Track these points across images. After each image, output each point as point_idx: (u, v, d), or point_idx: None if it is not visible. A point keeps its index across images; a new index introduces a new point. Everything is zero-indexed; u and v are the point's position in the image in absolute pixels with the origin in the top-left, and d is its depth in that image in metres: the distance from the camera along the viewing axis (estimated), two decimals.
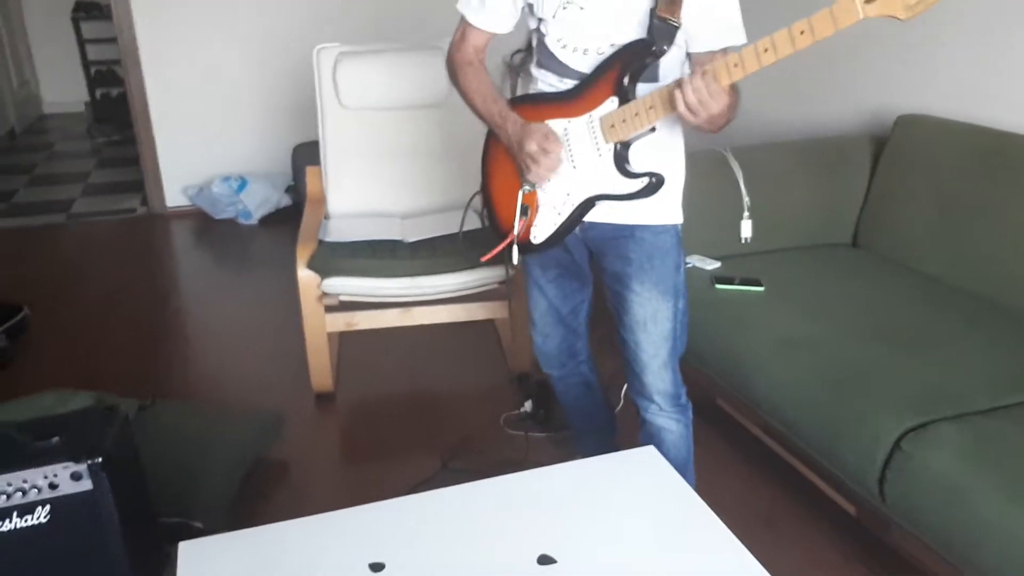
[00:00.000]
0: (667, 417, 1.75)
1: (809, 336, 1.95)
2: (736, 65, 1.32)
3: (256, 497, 2.13)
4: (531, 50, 1.66)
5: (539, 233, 1.64)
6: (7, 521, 1.49)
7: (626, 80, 1.47)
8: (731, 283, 2.23)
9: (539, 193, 1.62)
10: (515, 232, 1.65)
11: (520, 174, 1.62)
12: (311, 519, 1.35)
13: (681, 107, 1.36)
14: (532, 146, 1.52)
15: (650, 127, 1.47)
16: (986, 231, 2.13)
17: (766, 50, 1.29)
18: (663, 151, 1.58)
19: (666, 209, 1.62)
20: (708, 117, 1.37)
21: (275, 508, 2.10)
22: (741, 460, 2.25)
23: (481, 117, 1.65)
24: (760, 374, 1.96)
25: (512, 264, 1.69)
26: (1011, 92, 2.26)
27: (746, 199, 2.39)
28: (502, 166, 1.67)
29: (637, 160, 1.53)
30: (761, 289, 2.20)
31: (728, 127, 1.48)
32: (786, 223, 2.51)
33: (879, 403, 1.69)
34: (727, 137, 1.89)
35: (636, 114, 1.45)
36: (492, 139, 1.69)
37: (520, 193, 1.63)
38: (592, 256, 1.75)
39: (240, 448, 2.16)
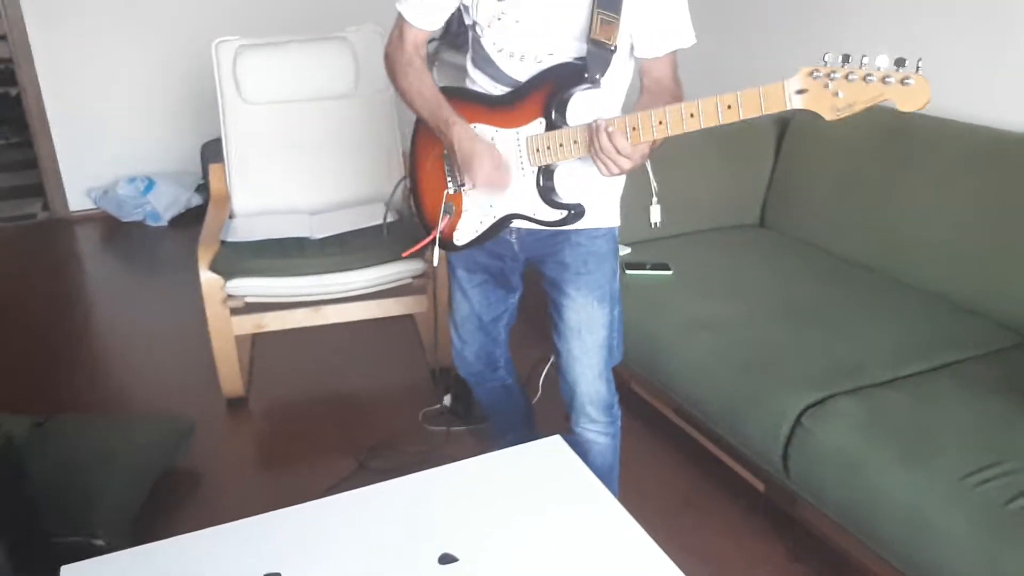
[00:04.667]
0: (597, 432, 1.72)
1: (716, 317, 1.98)
2: (634, 129, 1.31)
3: (165, 510, 2.05)
4: (444, 38, 1.61)
5: (461, 236, 1.61)
6: None
7: (554, 108, 1.42)
8: (642, 268, 2.24)
9: (464, 197, 1.58)
10: (437, 230, 1.61)
11: (446, 172, 1.58)
12: (205, 532, 1.29)
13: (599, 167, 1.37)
14: (480, 174, 1.47)
15: (576, 157, 1.44)
16: (885, 208, 2.19)
17: (692, 115, 1.28)
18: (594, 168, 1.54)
19: (602, 213, 1.59)
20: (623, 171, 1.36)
21: (184, 520, 2.02)
22: (658, 444, 2.27)
23: (423, 119, 1.58)
24: (670, 357, 1.98)
25: (433, 263, 1.65)
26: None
27: (654, 184, 2.40)
28: (430, 157, 1.63)
29: (564, 175, 1.49)
30: (670, 273, 2.21)
31: None
32: (695, 206, 2.54)
33: (782, 380, 1.72)
34: None
35: (560, 145, 1.42)
36: (422, 127, 1.64)
37: (445, 192, 1.60)
38: (528, 264, 1.71)
39: (145, 459, 2.07)
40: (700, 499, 2.06)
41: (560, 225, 1.50)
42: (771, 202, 2.57)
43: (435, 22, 1.56)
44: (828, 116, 1.20)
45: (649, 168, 2.40)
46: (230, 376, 2.47)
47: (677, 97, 1.45)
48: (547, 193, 1.48)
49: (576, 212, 1.48)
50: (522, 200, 1.51)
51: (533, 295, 1.87)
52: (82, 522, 1.83)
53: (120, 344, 3.02)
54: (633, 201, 2.43)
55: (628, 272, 2.23)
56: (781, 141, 2.58)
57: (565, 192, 1.50)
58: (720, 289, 2.12)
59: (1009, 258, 1.91)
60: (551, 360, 2.44)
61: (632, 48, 1.47)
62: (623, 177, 1.62)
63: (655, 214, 2.40)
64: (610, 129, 1.32)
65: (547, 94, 1.43)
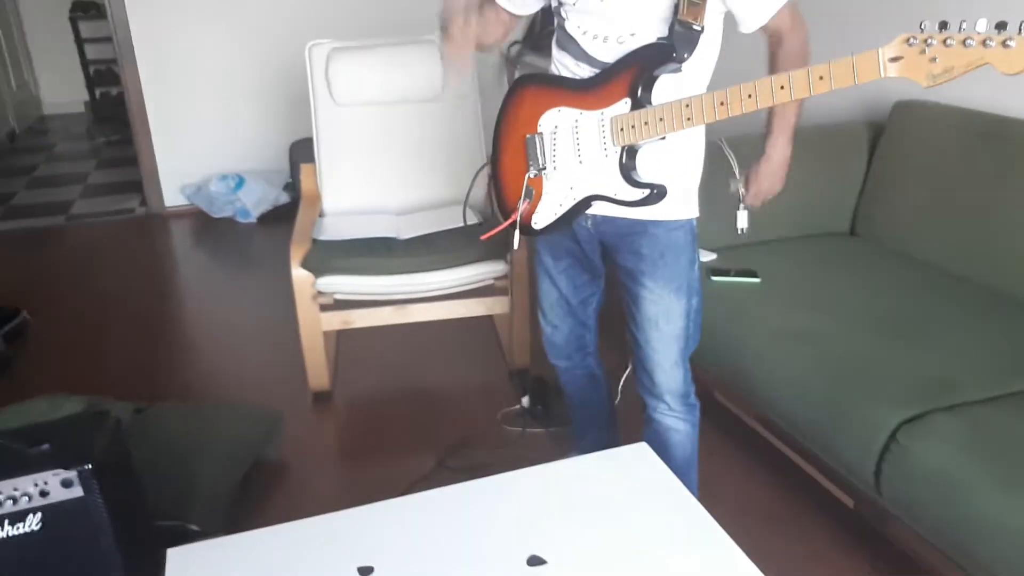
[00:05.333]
0: (675, 417, 1.73)
1: (806, 328, 1.93)
2: (722, 104, 1.36)
3: (254, 498, 2.13)
4: (527, 41, 1.65)
5: (540, 220, 1.64)
6: None
7: (640, 87, 1.44)
8: (727, 275, 2.21)
9: (544, 181, 1.61)
10: (518, 213, 1.64)
11: (528, 156, 1.61)
12: (300, 523, 1.34)
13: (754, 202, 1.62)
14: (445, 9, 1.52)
15: (660, 137, 1.45)
16: (984, 217, 2.11)
17: (781, 87, 1.29)
18: (677, 148, 1.55)
19: (681, 204, 1.59)
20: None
21: (273, 509, 2.10)
22: (739, 453, 2.24)
23: None
24: (757, 367, 1.95)
25: (513, 247, 1.68)
26: (1010, 76, 2.22)
27: (742, 190, 2.37)
28: (512, 144, 1.66)
29: (646, 161, 1.50)
30: (757, 280, 2.18)
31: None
32: (783, 213, 2.47)
33: (875, 394, 1.68)
34: (722, 127, 1.87)
35: (646, 123, 1.43)
36: (505, 113, 1.67)
37: (526, 177, 1.62)
38: (604, 251, 1.73)
39: (238, 449, 2.15)
40: (783, 511, 2.02)
41: (642, 204, 1.51)
42: (863, 210, 2.50)
43: (522, 7, 1.66)
44: (924, 83, 1.18)
45: (737, 172, 2.39)
46: (317, 370, 2.55)
47: (802, 57, 1.51)
48: (629, 172, 1.50)
49: (658, 192, 1.49)
50: (604, 181, 1.52)
51: (608, 303, 1.88)
52: (178, 508, 1.92)
53: (212, 336, 3.14)
54: (720, 206, 2.41)
55: (713, 278, 2.20)
56: (874, 146, 2.50)
57: (647, 174, 1.51)
58: (810, 298, 2.07)
59: None
60: (629, 367, 2.43)
61: (722, 26, 1.49)
62: (700, 167, 1.63)
63: (742, 220, 2.37)
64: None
65: (633, 75, 1.45)
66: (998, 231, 2.07)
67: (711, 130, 1.64)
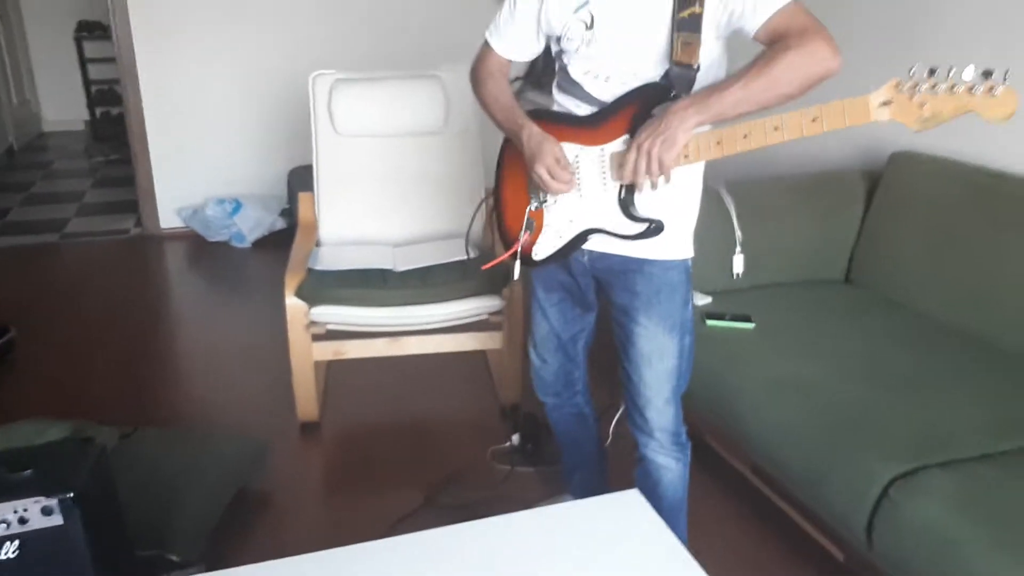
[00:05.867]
0: (666, 455, 1.73)
1: (800, 376, 1.93)
2: (719, 143, 1.39)
3: (237, 529, 2.09)
4: (529, 77, 1.67)
5: (540, 251, 1.66)
6: None
7: (639, 124, 1.46)
8: (722, 319, 2.21)
9: (545, 213, 1.63)
10: (519, 244, 1.65)
11: (529, 188, 1.63)
12: (281, 562, 1.31)
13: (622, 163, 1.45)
14: (541, 169, 1.54)
15: None
16: (980, 270, 2.12)
17: (776, 128, 1.33)
18: (675, 187, 1.54)
19: (676, 244, 1.61)
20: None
21: (255, 541, 2.06)
22: (729, 499, 2.22)
23: (500, 126, 1.68)
24: (750, 414, 1.94)
25: (513, 278, 1.70)
26: (1006, 131, 2.25)
27: (738, 234, 2.38)
28: (515, 175, 1.68)
29: (644, 198, 1.52)
30: (751, 326, 2.18)
31: (721, 161, 1.47)
32: (778, 259, 2.50)
33: (868, 447, 1.67)
34: (720, 172, 1.88)
35: None
36: (509, 145, 1.71)
37: (528, 209, 1.64)
38: (599, 287, 1.74)
39: (222, 478, 2.12)
40: (771, 561, 1.99)
41: (639, 238, 1.53)
42: (858, 258, 2.51)
43: (521, 55, 1.68)
44: (914, 127, 1.22)
45: (734, 216, 2.40)
46: (306, 400, 2.52)
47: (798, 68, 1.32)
48: (627, 207, 1.52)
49: (656, 227, 1.52)
50: (603, 214, 1.55)
51: (599, 343, 1.87)
52: (158, 536, 1.88)
53: (202, 361, 3.11)
54: (715, 251, 2.42)
55: (708, 322, 2.20)
56: (871, 195, 2.52)
57: (645, 208, 1.53)
58: (804, 346, 2.07)
59: None
60: (621, 408, 2.42)
61: (725, 59, 1.49)
62: (696, 208, 1.64)
63: (738, 264, 2.40)
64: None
65: (633, 113, 1.48)
66: (993, 284, 2.08)
67: (709, 175, 1.66)
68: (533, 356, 1.93)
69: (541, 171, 1.54)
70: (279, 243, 4.07)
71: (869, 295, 2.40)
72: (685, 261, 1.64)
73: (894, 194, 2.42)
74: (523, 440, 2.46)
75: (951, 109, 1.18)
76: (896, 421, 1.73)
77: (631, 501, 1.46)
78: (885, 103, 1.25)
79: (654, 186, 1.44)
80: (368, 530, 1.38)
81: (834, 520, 1.72)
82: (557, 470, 2.25)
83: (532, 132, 1.57)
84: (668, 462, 1.73)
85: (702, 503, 2.15)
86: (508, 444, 2.48)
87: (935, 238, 2.26)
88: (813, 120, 1.29)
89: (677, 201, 1.58)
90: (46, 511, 1.47)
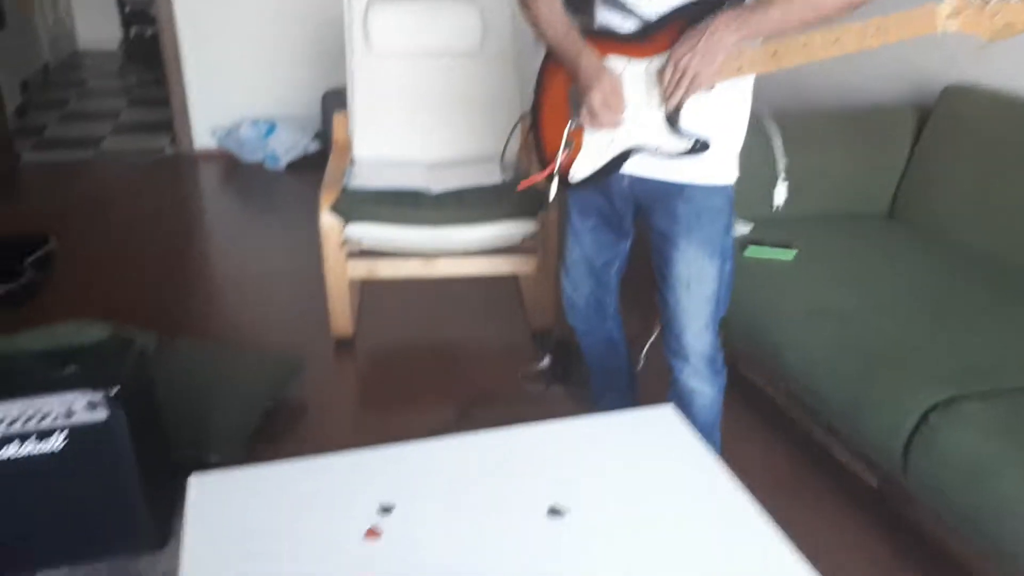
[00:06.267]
0: (701, 380, 1.72)
1: (840, 306, 1.90)
2: (775, 54, 1.33)
3: (272, 437, 2.13)
4: (568, 5, 1.61)
5: (579, 171, 1.62)
6: (24, 445, 1.50)
7: None
8: (761, 246, 2.17)
9: (585, 131, 1.58)
10: (556, 163, 1.62)
11: (570, 107, 1.59)
12: (323, 458, 1.34)
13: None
14: (596, 98, 1.48)
15: (708, 87, 1.43)
16: None
17: (836, 40, 1.27)
18: (722, 107, 1.52)
19: (720, 167, 1.57)
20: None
21: (291, 448, 2.10)
22: (762, 426, 2.21)
23: (552, 47, 1.60)
24: (787, 342, 1.92)
25: (548, 199, 1.66)
26: None
27: (781, 162, 2.33)
28: (556, 93, 1.64)
29: (690, 115, 1.48)
30: (792, 255, 2.14)
31: (766, 89, 1.43)
32: (821, 191, 2.44)
33: (908, 376, 1.65)
34: (766, 100, 1.82)
35: None
36: (551, 63, 1.65)
37: (568, 126, 1.60)
38: (639, 211, 1.71)
39: (258, 388, 2.16)
40: (803, 486, 1.99)
41: (684, 156, 1.49)
42: (903, 193, 2.45)
43: None
44: (987, 36, 1.18)
45: (777, 146, 2.34)
46: (341, 317, 2.54)
47: None
48: (673, 123, 1.47)
49: (701, 144, 1.47)
50: (647, 131, 1.51)
51: (633, 268, 1.85)
52: (197, 440, 1.93)
53: (235, 278, 3.14)
54: (758, 179, 2.37)
55: (747, 250, 2.17)
56: (919, 131, 2.44)
57: (691, 125, 1.48)
58: (845, 277, 2.04)
59: None
60: (654, 334, 2.41)
61: None
62: (743, 131, 1.59)
63: (780, 194, 2.35)
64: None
65: (683, 25, 1.42)
66: None
67: (753, 102, 1.61)
68: (564, 282, 1.91)
69: (595, 100, 1.48)
70: (312, 166, 4.05)
71: (912, 231, 2.34)
72: (728, 186, 1.60)
73: (945, 128, 2.35)
74: (554, 363, 2.47)
75: None
76: (937, 351, 1.71)
77: (665, 415, 1.46)
78: (953, 14, 1.19)
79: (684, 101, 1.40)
80: (402, 440, 1.39)
81: (869, 447, 1.71)
82: (587, 392, 2.26)
83: (591, 60, 1.50)
84: (702, 387, 1.73)
85: (733, 428, 2.14)
86: (539, 366, 2.49)
87: (985, 175, 2.19)
88: (875, 31, 1.24)
89: (724, 120, 1.54)
90: (91, 405, 1.51)
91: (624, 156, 1.56)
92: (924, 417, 1.56)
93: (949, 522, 1.56)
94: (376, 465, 1.32)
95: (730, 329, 2.10)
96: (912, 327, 1.80)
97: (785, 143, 2.34)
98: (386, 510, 1.22)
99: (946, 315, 1.84)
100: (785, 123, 2.39)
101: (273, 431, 2.15)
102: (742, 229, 2.28)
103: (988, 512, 1.44)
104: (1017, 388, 1.59)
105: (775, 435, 2.18)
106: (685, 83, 1.39)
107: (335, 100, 3.73)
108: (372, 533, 1.18)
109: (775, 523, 1.20)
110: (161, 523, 1.66)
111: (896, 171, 2.48)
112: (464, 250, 2.52)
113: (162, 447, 1.72)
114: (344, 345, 2.59)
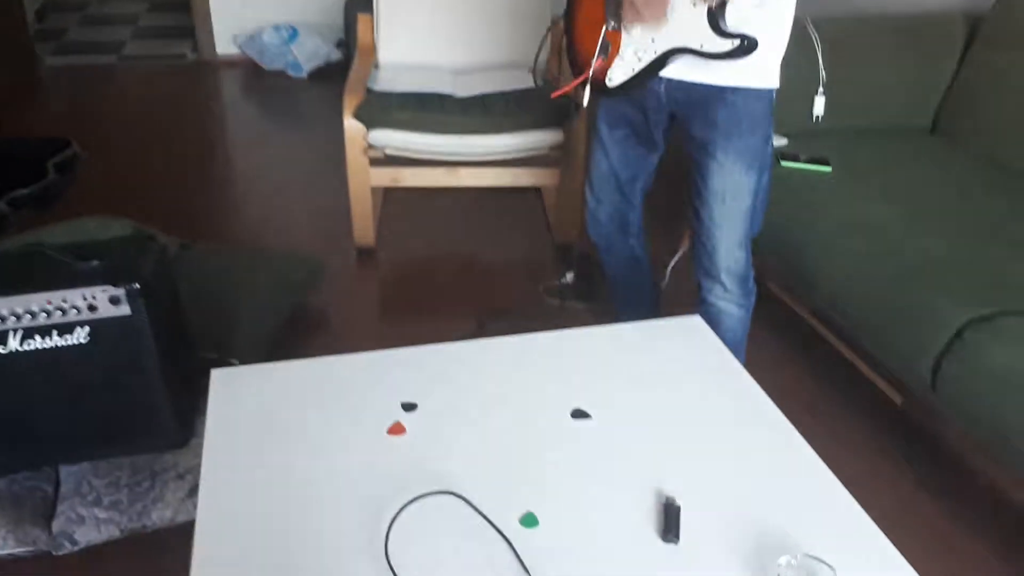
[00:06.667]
0: (729, 301, 1.69)
1: (877, 221, 1.84)
2: None
3: (294, 341, 2.14)
4: None
5: (615, 76, 1.54)
6: (48, 338, 1.50)
7: None
8: (796, 160, 2.10)
9: (623, 33, 1.51)
10: (591, 69, 1.54)
11: (608, 7, 1.50)
12: (346, 357, 1.33)
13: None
14: None
15: None
16: None
17: None
18: (767, 7, 1.44)
19: (763, 71, 1.49)
20: None
21: (312, 351, 2.09)
22: (787, 345, 2.18)
23: None
24: (819, 256, 1.87)
25: (583, 105, 1.60)
26: None
27: (823, 72, 2.22)
28: None
29: (734, 14, 1.40)
30: (828, 169, 2.07)
31: None
32: (861, 104, 2.34)
33: (945, 291, 1.60)
34: (807, 4, 1.72)
35: None
36: None
37: (604, 29, 1.52)
38: (674, 122, 1.64)
39: (279, 292, 2.15)
40: (827, 403, 1.98)
41: (729, 58, 1.41)
42: (948, 107, 2.35)
43: None
44: None
45: (819, 54, 2.23)
46: (363, 225, 2.52)
47: None
48: (717, 21, 1.40)
49: (748, 43, 1.39)
50: (690, 31, 1.43)
51: (660, 184, 1.80)
52: (219, 342, 1.93)
53: (258, 185, 3.11)
54: (795, 89, 2.26)
55: (782, 163, 2.10)
56: (969, 41, 2.32)
57: (737, 24, 1.41)
58: (882, 192, 1.97)
59: None
60: (681, 250, 2.36)
61: None
62: (787, 34, 1.51)
63: (819, 106, 2.25)
64: None
65: None
66: None
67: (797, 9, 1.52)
68: (589, 196, 1.85)
69: None
70: (335, 75, 3.96)
71: (955, 146, 2.25)
72: (771, 91, 1.53)
73: (998, 39, 2.23)
74: (577, 278, 2.44)
75: None
76: (975, 268, 1.66)
77: (692, 325, 1.44)
78: None
79: None
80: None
81: (897, 362, 1.68)
82: (610, 307, 2.24)
83: None
84: (730, 307, 1.69)
85: (761, 347, 2.11)
86: (560, 281, 2.46)
87: None
88: None
89: (770, 20, 1.46)
90: (114, 300, 1.50)
91: (663, 59, 1.49)
92: (959, 332, 1.52)
93: (977, 438, 1.54)
94: (398, 365, 1.31)
95: (761, 243, 2.05)
96: (951, 243, 1.74)
97: (825, 51, 2.23)
98: (409, 408, 1.21)
99: (986, 232, 1.79)
100: (826, 30, 2.27)
101: (294, 338, 2.15)
102: (778, 142, 2.20)
103: (1019, 427, 1.41)
104: None
105: (799, 353, 2.15)
106: None
107: (358, 6, 3.61)
108: (396, 429, 1.17)
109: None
110: (183, 422, 1.67)
111: (942, 84, 2.37)
112: (489, 158, 2.47)
113: (185, 346, 1.73)
114: (365, 254, 2.57)
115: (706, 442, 1.17)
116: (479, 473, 1.08)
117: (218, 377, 1.28)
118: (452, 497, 1.04)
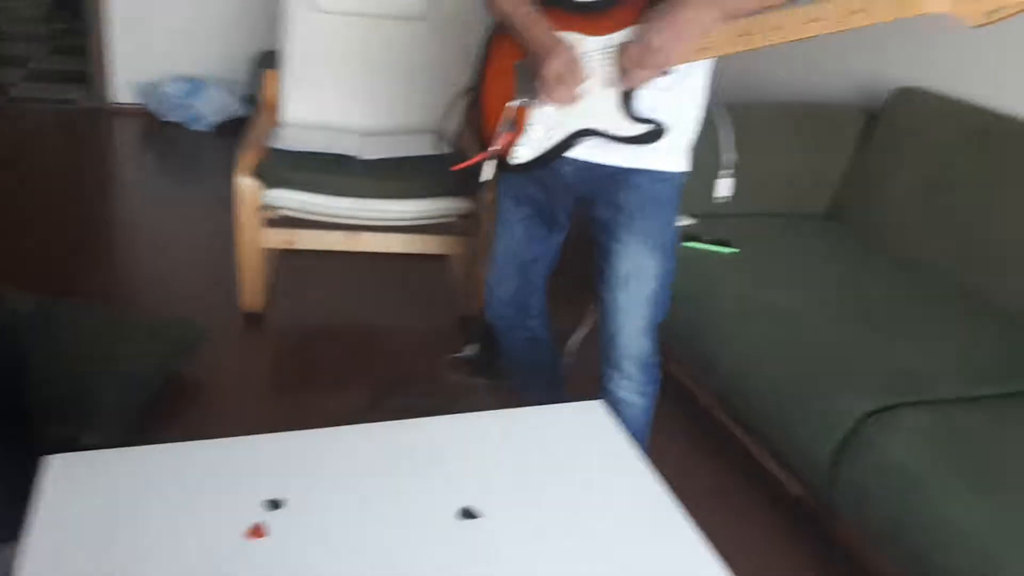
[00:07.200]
0: (631, 391, 1.62)
1: (776, 306, 1.83)
2: (745, 34, 1.24)
3: (164, 417, 1.95)
4: None
5: (521, 153, 1.49)
6: None
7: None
8: (699, 241, 2.09)
9: (532, 111, 1.46)
10: (495, 145, 1.48)
11: (518, 85, 1.46)
12: (207, 443, 1.19)
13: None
14: (551, 70, 1.35)
15: (663, 72, 1.33)
16: (974, 216, 2.01)
17: (815, 20, 1.18)
18: (679, 92, 1.42)
19: (671, 155, 1.46)
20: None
21: (183, 431, 1.91)
22: (688, 428, 2.13)
23: (503, 16, 1.46)
24: (720, 340, 1.85)
25: (481, 179, 1.53)
26: (1016, 71, 2.13)
27: (730, 156, 2.25)
28: (503, 68, 1.50)
29: (645, 99, 1.37)
30: (730, 251, 2.06)
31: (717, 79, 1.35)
32: (763, 188, 2.37)
33: (843, 381, 1.59)
34: (716, 91, 1.73)
35: None
36: (499, 36, 1.51)
37: (510, 105, 1.47)
38: (578, 203, 1.59)
39: (152, 359, 1.97)
40: (727, 493, 1.92)
41: (638, 142, 1.38)
42: (845, 195, 2.40)
43: None
44: (974, 21, 1.10)
45: (727, 137, 2.26)
46: (252, 289, 2.36)
47: None
48: (629, 106, 1.37)
49: (657, 130, 1.37)
50: (599, 113, 1.40)
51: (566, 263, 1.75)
52: (74, 417, 1.74)
53: (142, 241, 2.93)
54: (700, 172, 2.28)
55: (685, 244, 2.08)
56: (865, 132, 2.40)
57: (647, 109, 1.38)
58: (783, 277, 1.97)
59: None
60: (585, 328, 2.31)
61: None
62: (700, 116, 1.49)
63: (724, 187, 2.27)
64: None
65: (645, 3, 1.31)
66: (985, 233, 1.98)
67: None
68: (489, 274, 1.78)
69: (551, 72, 1.36)
70: (239, 130, 3.82)
71: (851, 234, 2.30)
72: (678, 174, 1.50)
73: (892, 132, 2.30)
74: (481, 351, 2.34)
75: (1017, 1, 1.05)
76: (873, 359, 1.65)
77: (593, 411, 1.36)
78: None
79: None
80: (308, 427, 1.25)
81: (797, 454, 1.64)
82: (511, 386, 2.15)
83: (546, 30, 1.38)
84: (631, 396, 1.62)
85: (661, 431, 2.06)
86: (463, 354, 2.36)
87: (929, 182, 2.15)
88: (855, 12, 1.14)
89: (681, 105, 1.44)
90: None
91: (571, 140, 1.44)
92: (858, 424, 1.49)
93: (873, 535, 1.50)
94: (267, 454, 1.18)
95: (662, 326, 2.01)
96: (850, 331, 1.74)
97: (737, 135, 2.26)
98: (275, 505, 1.08)
99: (883, 321, 1.79)
100: (738, 112, 2.31)
101: (166, 412, 1.97)
102: (685, 222, 2.19)
103: (917, 525, 1.38)
104: (951, 399, 1.55)
105: (699, 437, 2.10)
106: (651, 62, 1.28)
107: (267, 62, 3.52)
108: (256, 532, 1.03)
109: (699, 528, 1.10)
110: (15, 511, 1.46)
111: (837, 172, 2.43)
112: (393, 224, 2.37)
113: (24, 422, 1.53)
114: (254, 320, 2.41)
115: (599, 541, 1.07)
116: None
117: (53, 464, 1.12)
118: None
